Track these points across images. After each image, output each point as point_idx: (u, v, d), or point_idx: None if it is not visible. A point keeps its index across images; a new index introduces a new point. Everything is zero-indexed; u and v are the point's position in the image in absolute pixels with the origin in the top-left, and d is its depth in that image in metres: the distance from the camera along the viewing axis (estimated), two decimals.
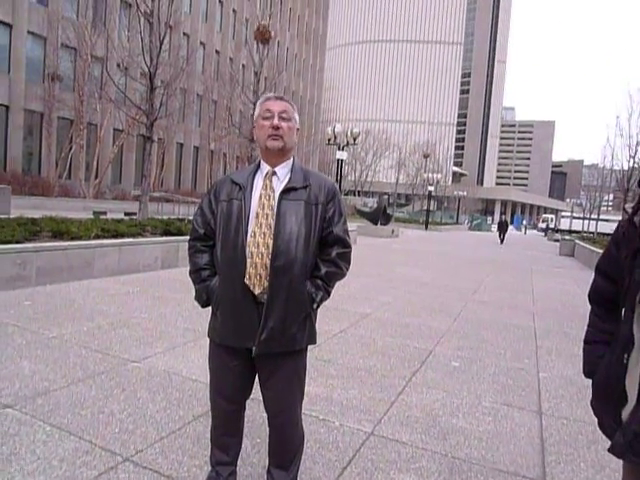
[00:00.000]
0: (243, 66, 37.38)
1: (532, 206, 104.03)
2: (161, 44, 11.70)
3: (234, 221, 1.93)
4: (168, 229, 9.42)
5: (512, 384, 4.06)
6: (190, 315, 5.40)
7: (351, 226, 20.48)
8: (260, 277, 1.89)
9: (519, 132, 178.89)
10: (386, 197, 28.01)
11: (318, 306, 2.00)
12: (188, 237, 2.10)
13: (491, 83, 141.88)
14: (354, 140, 20.48)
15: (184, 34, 31.06)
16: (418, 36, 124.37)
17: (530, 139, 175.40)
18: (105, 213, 15.33)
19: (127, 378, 3.49)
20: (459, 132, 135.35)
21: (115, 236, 8.02)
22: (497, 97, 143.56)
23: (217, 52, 36.54)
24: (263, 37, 16.20)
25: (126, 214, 15.21)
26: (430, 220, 39.90)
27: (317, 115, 54.51)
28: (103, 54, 22.85)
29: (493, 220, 68.32)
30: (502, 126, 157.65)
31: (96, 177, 26.03)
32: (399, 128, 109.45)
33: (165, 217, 12.48)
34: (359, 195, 64.69)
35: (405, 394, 3.63)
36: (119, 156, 28.43)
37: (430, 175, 40.02)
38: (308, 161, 48.46)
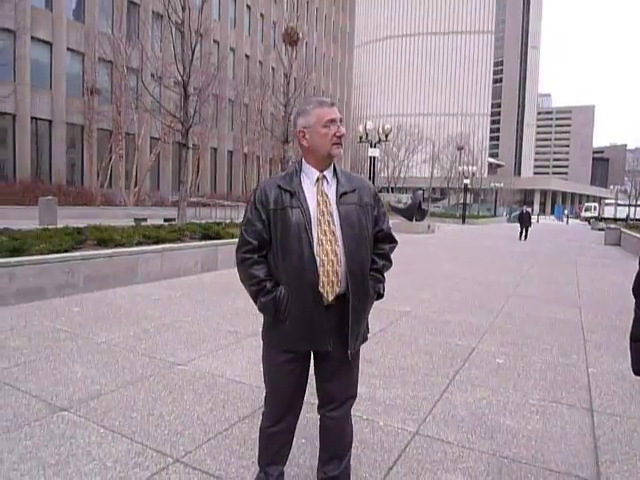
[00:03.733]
0: (273, 69, 37.73)
1: (573, 195, 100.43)
2: (193, 52, 11.96)
3: (295, 230, 1.91)
4: (206, 233, 9.61)
5: (560, 380, 3.94)
6: (232, 318, 5.50)
7: None
8: (332, 284, 1.92)
9: (557, 119, 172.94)
10: (420, 192, 27.55)
11: (380, 297, 2.14)
12: (236, 248, 2.07)
13: (525, 70, 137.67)
14: (386, 136, 20.32)
15: (214, 41, 31.60)
16: (447, 27, 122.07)
17: (569, 125, 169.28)
18: (145, 220, 15.78)
19: (174, 381, 3.59)
20: (493, 122, 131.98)
21: (156, 242, 8.25)
22: (532, 84, 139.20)
23: (247, 56, 37.00)
24: (291, 39, 16.32)
25: (165, 220, 15.61)
26: (467, 214, 39.11)
27: (347, 113, 54.33)
28: (138, 65, 23.66)
29: (533, 211, 66.33)
30: (538, 114, 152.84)
31: (135, 185, 26.84)
32: (431, 121, 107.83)
33: (203, 221, 12.74)
34: (392, 192, 64.14)
35: (449, 392, 3.59)
36: (156, 164, 29.21)
37: (465, 168, 39.25)
38: (340, 160, 48.33)
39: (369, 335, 2.20)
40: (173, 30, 12.77)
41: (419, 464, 2.60)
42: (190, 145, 13.80)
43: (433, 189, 65.68)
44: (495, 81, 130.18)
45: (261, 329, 2.18)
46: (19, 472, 2.37)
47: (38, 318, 5.19)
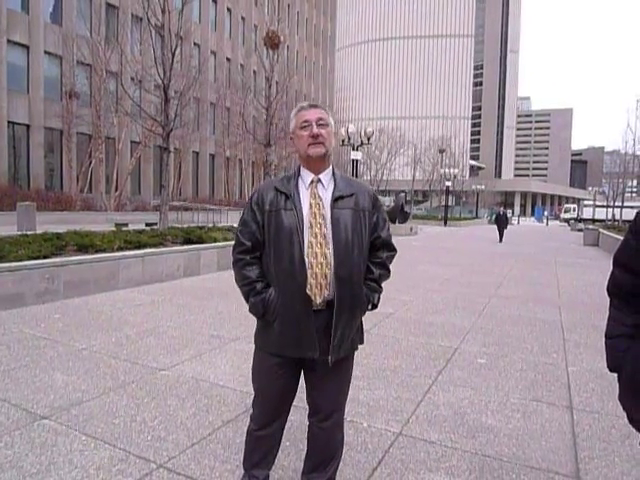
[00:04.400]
0: (254, 72, 37.70)
1: (553, 196, 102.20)
2: (173, 55, 11.88)
3: (287, 232, 1.92)
4: (189, 237, 9.54)
5: (541, 379, 4.01)
6: (214, 322, 5.47)
7: None
8: (321, 287, 1.91)
9: (536, 122, 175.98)
10: (403, 195, 27.79)
11: (374, 307, 2.10)
12: (232, 248, 2.09)
13: (505, 74, 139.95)
14: (368, 139, 20.45)
15: (195, 44, 31.44)
16: (427, 31, 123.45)
17: (548, 128, 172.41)
18: (127, 224, 15.60)
19: (156, 386, 3.56)
20: (474, 125, 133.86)
21: (138, 247, 8.16)
22: (511, 88, 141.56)
23: (228, 60, 36.91)
24: (272, 42, 16.30)
25: (147, 224, 15.47)
26: (449, 216, 39.54)
27: (330, 116, 54.53)
28: (117, 69, 23.38)
29: (513, 213, 67.33)
30: (518, 117, 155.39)
31: (116, 189, 26.50)
32: (413, 125, 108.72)
33: (185, 226, 12.65)
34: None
35: (432, 393, 3.62)
36: (137, 168, 28.91)
37: (447, 170, 39.67)
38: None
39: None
40: (153, 33, 12.67)
41: (403, 464, 2.63)
42: (171, 149, 13.72)
43: (415, 191, 66.15)
44: (475, 84, 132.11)
45: (253, 332, 2.18)
46: None
47: (17, 325, 5.09)
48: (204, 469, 2.50)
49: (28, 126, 24.01)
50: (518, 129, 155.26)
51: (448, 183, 38.62)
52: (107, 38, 25.77)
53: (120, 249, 7.82)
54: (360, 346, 2.11)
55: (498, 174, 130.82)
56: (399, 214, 24.33)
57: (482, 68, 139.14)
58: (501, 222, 22.16)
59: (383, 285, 2.14)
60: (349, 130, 19.90)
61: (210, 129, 35.11)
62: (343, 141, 20.42)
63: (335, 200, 1.96)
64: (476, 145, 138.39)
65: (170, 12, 12.18)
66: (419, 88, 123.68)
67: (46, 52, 24.55)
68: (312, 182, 2.00)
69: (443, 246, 18.33)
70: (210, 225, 13.88)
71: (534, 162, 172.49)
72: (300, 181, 2.02)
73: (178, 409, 3.19)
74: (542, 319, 6.25)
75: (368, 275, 2.04)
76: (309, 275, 1.90)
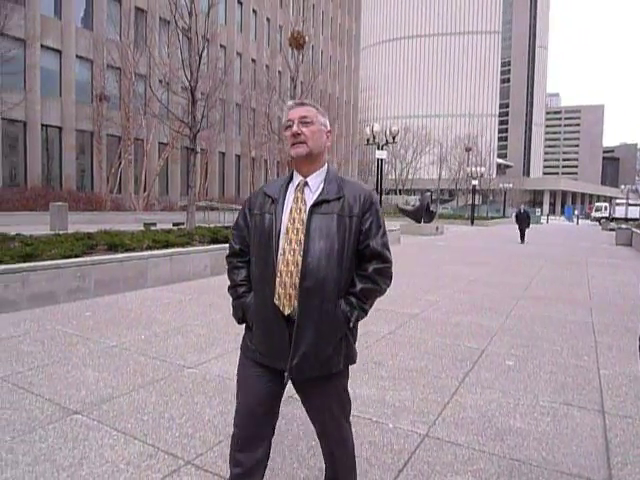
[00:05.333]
0: (279, 72, 37.89)
1: (583, 195, 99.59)
2: (200, 58, 12.05)
3: (265, 237, 1.84)
4: (215, 237, 9.66)
5: (571, 382, 3.92)
6: None
7: (394, 225, 20.25)
8: (290, 297, 1.78)
9: (566, 119, 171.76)
10: (429, 194, 27.49)
11: (354, 326, 1.88)
12: (224, 245, 2.11)
13: (533, 70, 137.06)
14: (393, 138, 20.30)
15: (221, 46, 31.80)
16: (453, 28, 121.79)
17: (578, 125, 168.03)
18: (155, 224, 15.91)
19: (184, 384, 3.62)
20: (502, 123, 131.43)
21: (166, 246, 8.32)
22: (540, 84, 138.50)
23: (253, 61, 37.19)
24: (297, 43, 16.36)
25: (174, 224, 15.73)
26: (475, 215, 38.93)
27: (354, 116, 54.42)
28: (146, 72, 23.86)
29: (542, 212, 65.87)
30: (547, 113, 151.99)
31: (144, 190, 27.04)
32: (439, 123, 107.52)
33: (211, 225, 12.82)
34: (400, 193, 64.03)
35: (459, 395, 3.58)
36: (165, 168, 29.42)
37: (473, 169, 39.08)
38: (347, 162, 48.48)
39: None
40: (180, 36, 12.88)
41: (429, 466, 2.60)
42: (198, 150, 13.91)
43: (441, 190, 65.44)
44: (503, 81, 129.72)
45: None
46: (34, 474, 2.40)
47: (51, 323, 5.25)
48: None
49: (60, 128, 24.70)
50: (547, 126, 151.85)
51: (475, 182, 38.05)
52: (136, 41, 26.33)
53: (149, 248, 7.98)
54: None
55: (526, 172, 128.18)
56: (425, 213, 24.09)
57: (509, 65, 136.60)
58: (522, 220, 20.01)
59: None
60: (374, 129, 19.81)
61: (236, 130, 35.46)
62: (368, 140, 20.34)
63: (316, 204, 1.81)
64: (503, 143, 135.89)
65: (197, 15, 12.35)
66: (445, 86, 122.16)
67: (77, 56, 25.22)
68: (298, 185, 1.87)
69: (469, 246, 18.07)
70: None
71: (564, 160, 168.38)
72: (291, 184, 1.92)
73: (205, 407, 3.23)
74: (573, 320, 6.10)
75: (350, 289, 1.83)
76: (277, 284, 1.79)
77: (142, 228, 12.22)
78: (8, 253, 6.29)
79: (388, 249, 1.89)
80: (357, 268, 1.86)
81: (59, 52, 24.50)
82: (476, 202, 42.41)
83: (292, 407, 3.26)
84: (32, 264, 6.03)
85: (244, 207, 2.01)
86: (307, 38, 17.36)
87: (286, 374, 1.82)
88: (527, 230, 20.04)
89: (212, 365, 4.04)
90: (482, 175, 41.16)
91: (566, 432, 3.04)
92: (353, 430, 2.91)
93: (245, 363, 1.97)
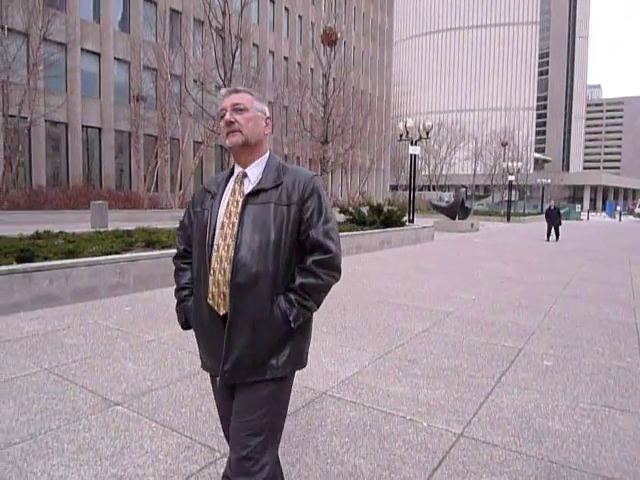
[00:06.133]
0: (311, 70, 37.95)
1: (626, 190, 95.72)
2: (233, 57, 12.21)
3: (202, 233, 1.73)
4: None
5: (613, 384, 3.79)
6: None
7: (428, 222, 20.00)
8: (224, 296, 1.65)
9: (607, 111, 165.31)
10: (463, 190, 27.00)
11: (295, 325, 1.66)
12: None
13: (572, 61, 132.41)
14: (427, 134, 20.05)
15: (254, 44, 32.09)
16: (489, 20, 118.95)
17: (621, 117, 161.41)
18: None
19: None
20: (539, 116, 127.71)
21: None
22: (580, 76, 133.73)
23: (285, 59, 37.38)
24: (330, 39, 16.36)
25: None
26: (512, 211, 38.00)
27: (387, 112, 53.95)
28: (181, 72, 24.36)
29: (582, 208, 63.66)
30: (588, 106, 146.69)
31: (180, 188, 27.63)
32: (474, 117, 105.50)
33: None
34: (434, 190, 63.17)
35: (495, 395, 3.52)
36: (199, 167, 29.97)
37: (510, 164, 38.12)
38: (380, 159, 48.13)
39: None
40: (214, 36, 13.08)
41: (464, 466, 2.57)
42: None
43: (476, 186, 64.20)
44: (541, 73, 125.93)
45: None
46: (78, 462, 2.51)
47: (92, 317, 5.45)
48: None
49: (100, 129, 25.51)
50: (588, 119, 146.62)
51: (511, 177, 37.12)
52: (171, 42, 26.87)
53: None
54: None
55: (565, 167, 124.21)
56: (459, 210, 23.69)
57: (548, 56, 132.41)
58: (553, 217, 18.49)
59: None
60: (407, 125, 19.60)
61: None
62: (401, 136, 20.14)
63: (251, 194, 1.68)
64: (541, 137, 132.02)
65: (230, 15, 12.51)
66: (480, 79, 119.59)
67: (116, 58, 25.97)
68: (237, 177, 1.75)
69: (506, 242, 17.66)
70: None
71: (605, 154, 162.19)
72: (232, 177, 1.80)
73: None
74: (615, 320, 5.88)
75: (290, 284, 1.67)
76: (210, 282, 1.66)
77: (178, 225, 12.46)
78: (52, 250, 6.56)
79: (331, 238, 1.70)
80: (300, 261, 1.70)
81: (98, 55, 25.28)
82: (513, 198, 41.38)
83: (326, 403, 3.28)
84: (75, 260, 6.26)
85: (189, 205, 1.89)
86: (339, 34, 17.32)
87: (218, 379, 1.68)
88: (558, 229, 18.55)
89: None
90: (519, 170, 40.10)
91: (608, 436, 2.94)
92: (387, 427, 2.93)
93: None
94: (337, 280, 1.73)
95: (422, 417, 3.12)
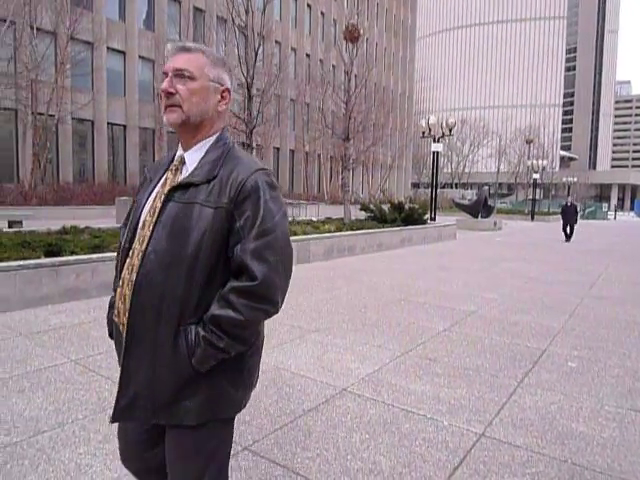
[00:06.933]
0: (333, 66, 37.87)
1: None
2: (256, 54, 12.25)
3: (123, 233, 1.46)
4: None
5: None
6: (294, 313, 5.62)
7: (450, 220, 19.79)
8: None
9: (637, 107, 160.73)
10: (486, 188, 26.64)
11: (202, 368, 1.29)
12: None
13: (601, 57, 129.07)
14: (450, 131, 19.82)
15: (276, 42, 32.18)
16: (515, 15, 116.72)
17: None
18: None
19: None
20: (566, 113, 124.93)
21: None
22: (609, 71, 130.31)
23: (307, 55, 37.38)
24: (352, 36, 16.27)
25: None
26: (536, 210, 37.34)
27: (409, 108, 53.50)
28: None
29: (609, 207, 62.13)
30: (616, 102, 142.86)
31: None
32: (498, 114, 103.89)
33: None
34: (456, 187, 62.47)
35: (517, 395, 3.48)
36: None
37: (534, 162, 37.44)
38: (402, 156, 47.80)
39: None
40: (237, 33, 13.16)
41: (485, 466, 2.55)
42: (254, 145, 14.19)
43: (500, 184, 63.27)
44: (568, 69, 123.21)
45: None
46: (104, 451, 2.57)
47: None
48: (286, 454, 2.59)
49: (125, 126, 25.95)
50: (616, 116, 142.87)
51: (536, 175, 36.45)
52: (195, 40, 27.09)
53: None
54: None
55: (592, 165, 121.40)
56: (482, 208, 23.38)
57: (575, 51, 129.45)
58: (569, 215, 17.43)
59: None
60: (430, 121, 19.41)
61: (290, 125, 35.84)
62: (423, 133, 19.97)
63: (175, 189, 1.32)
64: (568, 134, 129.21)
65: (253, 12, 12.56)
66: (505, 75, 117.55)
67: (140, 57, 26.35)
68: (174, 163, 1.42)
69: (529, 242, 17.37)
70: (290, 219, 14.21)
71: (634, 152, 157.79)
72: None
73: (262, 395, 3.32)
74: None
75: (204, 315, 1.30)
76: (117, 295, 1.38)
77: None
78: (79, 245, 6.71)
79: (263, 259, 1.27)
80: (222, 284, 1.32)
81: (123, 53, 25.69)
82: (537, 197, 40.64)
83: (346, 400, 3.29)
84: (100, 255, 6.40)
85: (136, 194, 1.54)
86: (362, 31, 17.23)
87: (107, 417, 1.43)
88: (573, 227, 17.71)
89: (267, 355, 4.14)
90: (544, 168, 39.37)
91: (634, 439, 2.88)
92: (407, 425, 2.93)
93: None
94: (269, 315, 1.32)
95: (443, 416, 3.10)
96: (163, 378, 1.30)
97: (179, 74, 1.33)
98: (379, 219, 14.62)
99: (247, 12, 12.53)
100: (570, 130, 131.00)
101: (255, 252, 1.26)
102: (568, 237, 17.57)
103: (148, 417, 1.33)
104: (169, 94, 1.33)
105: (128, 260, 1.36)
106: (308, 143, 35.79)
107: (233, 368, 1.35)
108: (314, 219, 14.94)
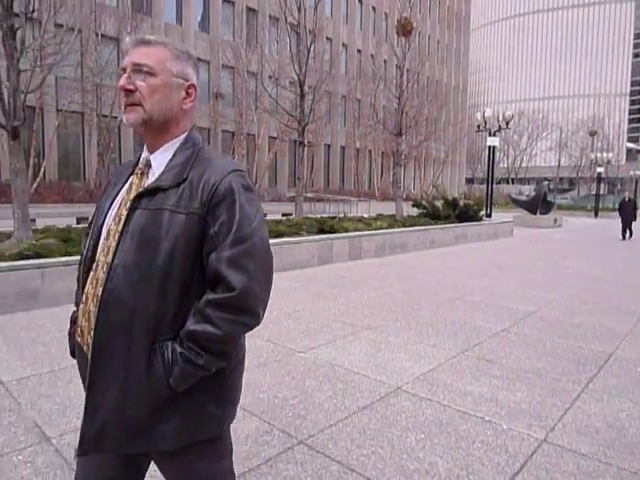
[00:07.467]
0: (385, 61, 37.46)
1: None
2: (309, 52, 12.31)
3: (84, 244, 1.35)
4: (322, 227, 9.90)
5: None
6: (347, 310, 5.63)
7: (506, 216, 19.12)
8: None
9: None
10: (546, 183, 25.59)
11: (180, 388, 1.19)
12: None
13: None
14: (507, 124, 19.14)
15: (327, 38, 32.22)
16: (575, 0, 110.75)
17: None
18: (265, 215, 16.62)
19: (295, 367, 3.79)
20: (634, 103, 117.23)
21: (276, 236, 8.71)
22: None
23: (359, 51, 37.17)
24: (405, 29, 16.04)
25: (283, 215, 16.37)
26: (600, 206, 35.39)
27: (463, 102, 52.07)
28: (257, 69, 24.99)
29: None
30: None
31: (255, 182, 28.48)
32: (558, 105, 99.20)
33: (318, 216, 13.15)
34: (513, 183, 60.29)
35: (581, 401, 3.32)
36: (274, 161, 30.69)
37: (598, 155, 35.47)
38: (455, 151, 46.65)
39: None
40: (289, 31, 13.28)
41: (547, 473, 2.46)
42: (306, 142, 14.30)
43: (560, 179, 60.43)
44: (636, 55, 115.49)
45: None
46: None
47: None
48: (341, 450, 2.61)
49: None
50: None
51: (600, 169, 34.53)
52: (248, 40, 27.66)
53: None
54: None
55: None
56: (541, 204, 22.44)
57: None
58: (626, 212, 16.38)
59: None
60: (485, 115, 18.83)
61: (341, 121, 35.82)
62: (479, 126, 19.40)
63: (142, 195, 1.21)
64: (635, 125, 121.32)
65: (305, 10, 12.63)
66: (565, 64, 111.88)
67: (196, 58, 27.16)
68: (140, 166, 1.31)
69: (592, 239, 16.50)
70: (341, 215, 14.23)
71: None
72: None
73: (316, 390, 3.36)
74: None
75: (180, 331, 1.20)
76: (80, 312, 1.27)
77: None
78: None
79: (241, 268, 1.17)
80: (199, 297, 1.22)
81: None
82: (601, 192, 38.50)
83: (400, 398, 3.27)
84: None
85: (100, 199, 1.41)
86: (414, 24, 16.94)
87: (75, 449, 1.23)
88: (631, 225, 16.51)
89: (321, 351, 4.17)
90: (609, 162, 37.20)
91: None
92: (464, 427, 2.87)
93: None
94: (250, 328, 1.22)
95: (502, 419, 3.02)
96: (136, 401, 1.18)
97: (138, 69, 1.22)
98: (432, 216, 14.37)
99: (299, 10, 12.61)
100: (638, 120, 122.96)
101: (232, 260, 1.16)
102: (626, 235, 16.49)
103: (120, 446, 1.21)
104: (127, 92, 1.22)
105: (92, 273, 1.25)
106: (359, 139, 35.64)
107: (214, 384, 1.25)
108: (365, 216, 14.88)
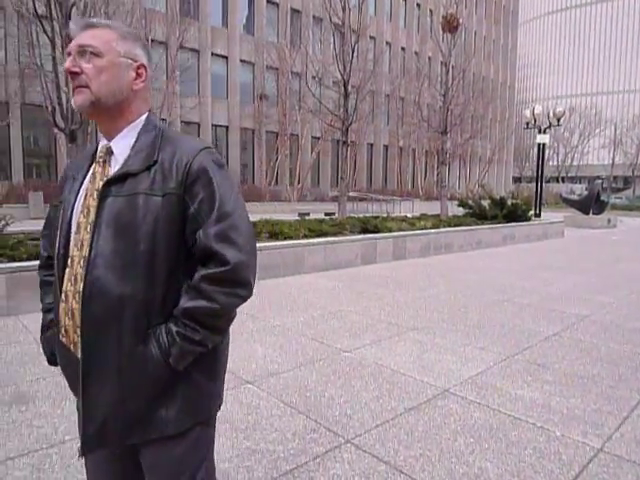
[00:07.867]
0: (429, 58, 36.90)
1: None
2: (353, 51, 12.31)
3: (54, 240, 1.31)
4: (365, 227, 9.87)
5: None
6: (391, 310, 5.59)
7: (557, 216, 18.44)
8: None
9: None
10: (599, 182, 24.39)
11: (180, 366, 1.20)
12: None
13: None
14: (557, 121, 18.45)
15: (371, 37, 32.03)
16: None
17: None
18: (308, 214, 16.83)
19: (341, 366, 3.80)
20: None
21: (319, 235, 8.76)
22: None
23: (402, 49, 36.75)
24: (451, 26, 15.76)
25: (326, 214, 16.43)
26: None
27: (511, 98, 50.50)
28: (300, 69, 25.19)
29: None
30: None
31: (298, 182, 28.72)
32: (612, 100, 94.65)
33: (361, 215, 13.12)
34: (563, 181, 58.02)
35: None
36: (317, 161, 30.84)
37: None
38: (503, 149, 45.33)
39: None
40: (333, 31, 13.32)
41: None
42: (349, 142, 14.30)
43: (614, 178, 57.63)
44: None
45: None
46: (217, 432, 2.75)
47: None
48: (389, 451, 2.60)
49: (227, 127, 27.43)
50: None
51: None
52: (292, 41, 27.90)
53: (305, 237, 8.48)
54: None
55: None
56: (594, 204, 21.47)
57: None
58: None
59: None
60: (535, 111, 18.22)
61: (384, 120, 35.53)
62: (527, 124, 18.80)
63: (113, 181, 1.19)
64: None
65: (350, 9, 12.63)
66: (620, 57, 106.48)
67: (241, 60, 27.66)
68: (100, 154, 1.26)
69: None
70: (384, 215, 14.14)
71: None
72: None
73: (362, 390, 3.36)
74: None
75: (174, 310, 1.20)
76: (62, 311, 1.23)
77: (297, 217, 13.02)
78: None
79: (230, 241, 1.19)
80: (188, 277, 1.22)
81: (226, 58, 27.13)
82: None
83: (448, 401, 3.22)
84: None
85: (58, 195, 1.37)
86: (460, 20, 16.60)
87: (78, 447, 1.22)
88: None
89: (367, 351, 4.17)
90: None
91: None
92: (514, 433, 2.80)
93: None
94: (245, 299, 1.22)
95: (555, 426, 2.92)
96: (135, 391, 1.19)
97: (82, 51, 1.19)
98: (478, 215, 14.03)
99: (344, 10, 12.63)
100: None
101: (220, 235, 1.18)
102: None
103: (123, 438, 1.21)
104: (73, 74, 1.19)
105: (68, 270, 1.22)
106: (402, 138, 35.24)
107: (210, 360, 1.28)
108: (409, 215, 14.71)
